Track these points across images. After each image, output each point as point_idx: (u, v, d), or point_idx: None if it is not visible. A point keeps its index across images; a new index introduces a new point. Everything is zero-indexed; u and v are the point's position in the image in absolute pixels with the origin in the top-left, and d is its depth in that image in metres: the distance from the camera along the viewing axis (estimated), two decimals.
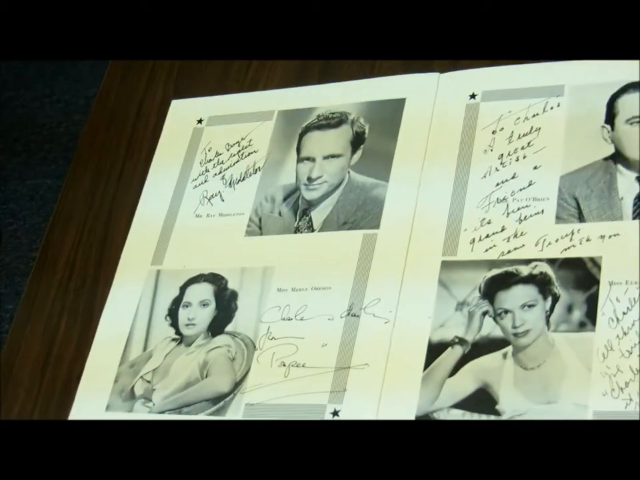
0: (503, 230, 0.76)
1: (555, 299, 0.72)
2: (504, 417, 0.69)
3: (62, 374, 0.84)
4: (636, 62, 0.79)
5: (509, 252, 0.75)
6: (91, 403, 0.82)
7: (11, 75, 2.43)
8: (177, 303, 0.84)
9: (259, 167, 0.89)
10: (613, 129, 0.78)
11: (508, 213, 0.77)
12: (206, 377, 0.79)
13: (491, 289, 0.74)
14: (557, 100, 0.81)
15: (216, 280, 0.83)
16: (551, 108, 0.81)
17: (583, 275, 0.72)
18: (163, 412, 0.79)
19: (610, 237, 0.73)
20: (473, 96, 0.84)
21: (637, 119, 0.77)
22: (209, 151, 0.92)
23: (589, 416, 0.67)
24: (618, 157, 0.76)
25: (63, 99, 2.27)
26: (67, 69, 2.26)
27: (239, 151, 0.90)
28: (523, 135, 0.81)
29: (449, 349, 0.73)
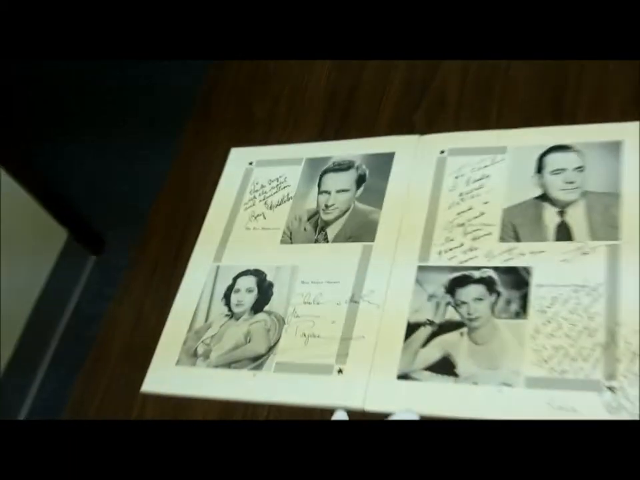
0: (461, 245, 0.74)
1: (498, 295, 0.70)
2: (461, 378, 0.67)
3: (146, 338, 0.81)
4: (557, 130, 0.78)
5: (466, 261, 0.73)
6: (166, 359, 0.79)
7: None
8: (230, 289, 0.81)
9: (291, 197, 0.86)
10: (541, 177, 0.76)
11: (465, 234, 0.75)
12: (249, 342, 0.76)
13: (452, 287, 0.72)
14: (502, 156, 0.78)
15: (258, 274, 0.81)
16: (497, 162, 0.78)
17: (518, 279, 0.70)
18: (217, 366, 0.76)
19: (538, 252, 0.71)
20: (442, 152, 0.81)
21: (558, 171, 0.76)
22: (256, 184, 0.89)
23: (521, 381, 0.64)
24: (544, 197, 0.74)
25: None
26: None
27: (277, 184, 0.88)
28: (477, 180, 0.78)
29: (422, 327, 0.71)
